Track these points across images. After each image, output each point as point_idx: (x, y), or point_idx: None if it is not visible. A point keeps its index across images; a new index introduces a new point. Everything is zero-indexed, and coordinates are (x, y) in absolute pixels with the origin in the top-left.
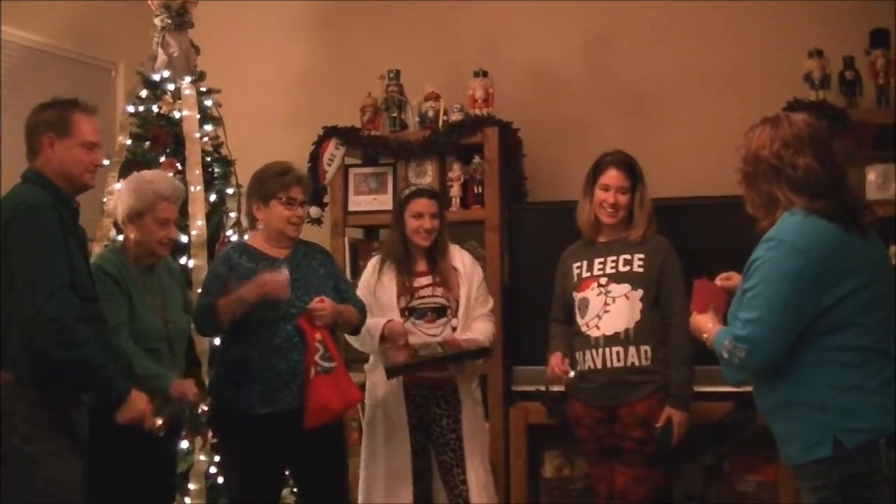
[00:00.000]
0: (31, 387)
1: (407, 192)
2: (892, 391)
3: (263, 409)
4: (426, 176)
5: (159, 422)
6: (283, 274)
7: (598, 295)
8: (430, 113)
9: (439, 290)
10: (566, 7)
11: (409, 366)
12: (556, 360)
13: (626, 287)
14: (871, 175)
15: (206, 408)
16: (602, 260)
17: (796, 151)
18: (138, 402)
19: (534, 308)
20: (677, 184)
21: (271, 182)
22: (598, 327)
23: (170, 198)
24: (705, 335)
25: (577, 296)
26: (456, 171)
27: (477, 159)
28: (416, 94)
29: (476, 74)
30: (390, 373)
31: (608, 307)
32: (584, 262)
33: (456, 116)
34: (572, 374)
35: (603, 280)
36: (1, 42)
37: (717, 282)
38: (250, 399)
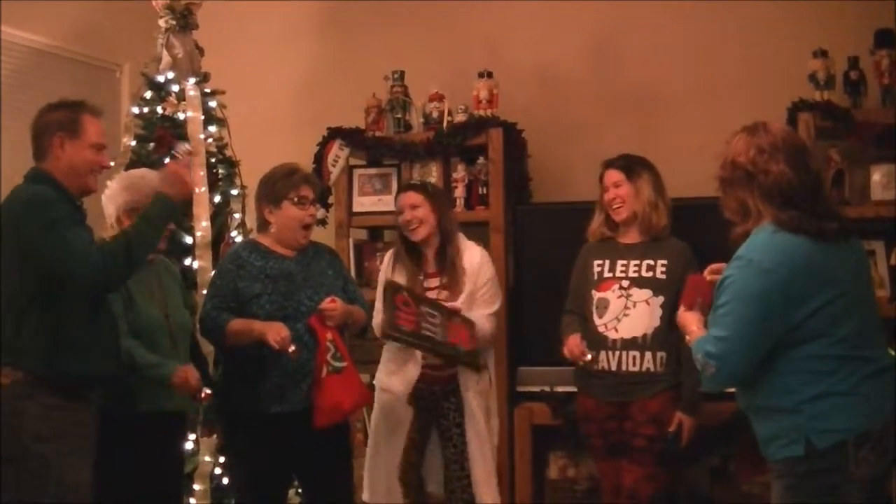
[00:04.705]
0: (42, 384)
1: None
2: (862, 392)
3: (273, 408)
4: (430, 177)
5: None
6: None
7: (619, 297)
8: (435, 114)
9: (444, 294)
10: (570, 8)
11: (407, 338)
12: (574, 341)
13: (647, 293)
14: (876, 175)
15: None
16: (625, 262)
17: (770, 157)
18: (176, 167)
19: (538, 309)
20: (681, 184)
21: (281, 184)
22: (616, 329)
23: None
24: (688, 336)
25: (597, 295)
26: (460, 172)
27: (481, 160)
28: (421, 95)
29: (480, 75)
30: (388, 333)
31: (628, 311)
32: (607, 262)
33: (460, 117)
34: (589, 356)
35: (625, 283)
36: (3, 43)
37: (707, 274)
38: (260, 397)
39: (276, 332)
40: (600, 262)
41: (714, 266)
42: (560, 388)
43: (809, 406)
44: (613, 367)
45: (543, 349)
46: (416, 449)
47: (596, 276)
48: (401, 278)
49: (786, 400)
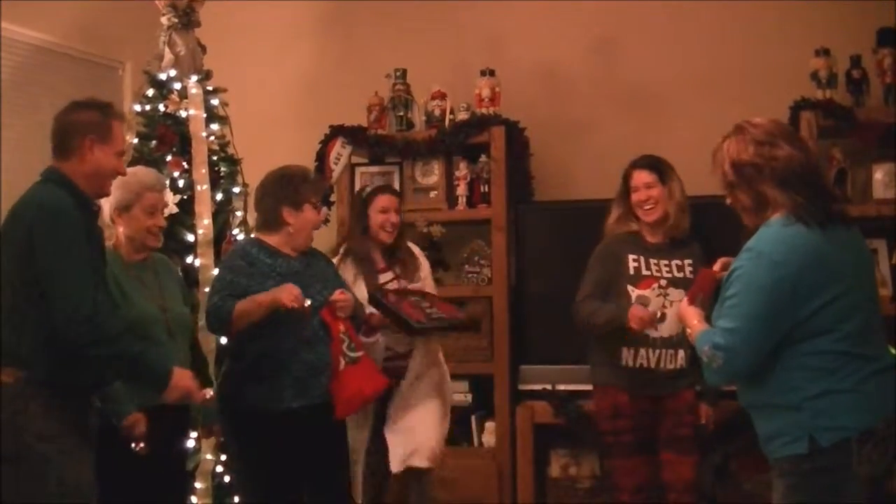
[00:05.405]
0: (44, 385)
1: (369, 189)
2: (865, 389)
3: (294, 403)
4: (432, 175)
5: (210, 393)
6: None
7: (658, 296)
8: (437, 112)
9: (403, 282)
10: (573, 7)
11: (428, 327)
12: (640, 310)
13: (681, 293)
14: (878, 174)
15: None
16: (657, 262)
17: (771, 145)
18: (183, 379)
19: (540, 307)
20: (684, 183)
21: (304, 187)
22: (656, 328)
23: (154, 186)
24: (689, 330)
25: (636, 291)
26: (462, 170)
27: (483, 158)
28: (423, 93)
29: (483, 73)
30: (416, 330)
31: (666, 310)
32: (642, 259)
33: (462, 115)
34: (659, 314)
35: (663, 282)
36: (5, 40)
37: (717, 267)
38: (279, 393)
39: (288, 293)
40: (636, 257)
41: (725, 260)
42: (562, 387)
43: (813, 403)
44: (653, 365)
45: (545, 347)
46: (369, 454)
47: (633, 272)
48: (349, 276)
49: (789, 397)
